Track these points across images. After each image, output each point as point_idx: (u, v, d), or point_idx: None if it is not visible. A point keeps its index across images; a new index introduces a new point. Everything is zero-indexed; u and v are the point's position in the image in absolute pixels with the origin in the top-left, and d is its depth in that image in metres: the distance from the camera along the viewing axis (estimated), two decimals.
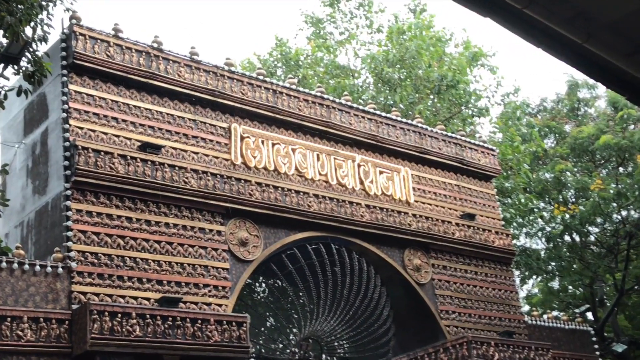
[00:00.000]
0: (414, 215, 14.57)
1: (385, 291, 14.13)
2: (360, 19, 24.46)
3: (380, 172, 14.57)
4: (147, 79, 11.95)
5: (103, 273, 10.63)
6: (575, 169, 23.13)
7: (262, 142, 13.07)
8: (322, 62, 23.98)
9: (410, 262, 14.34)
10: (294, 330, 13.52)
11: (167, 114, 12.12)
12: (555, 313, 19.34)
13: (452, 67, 22.11)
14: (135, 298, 10.74)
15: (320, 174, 13.65)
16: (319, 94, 14.15)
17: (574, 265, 23.03)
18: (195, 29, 45.82)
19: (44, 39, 8.81)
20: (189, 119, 12.35)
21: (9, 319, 9.67)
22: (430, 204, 15.15)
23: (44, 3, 8.78)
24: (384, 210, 14.12)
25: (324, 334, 13.47)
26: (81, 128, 11.10)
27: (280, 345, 13.52)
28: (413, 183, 15.03)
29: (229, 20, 46.88)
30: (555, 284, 24.84)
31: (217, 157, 12.44)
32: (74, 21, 11.41)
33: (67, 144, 10.88)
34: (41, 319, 9.88)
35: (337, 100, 14.52)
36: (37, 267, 10.16)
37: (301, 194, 13.07)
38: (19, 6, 8.33)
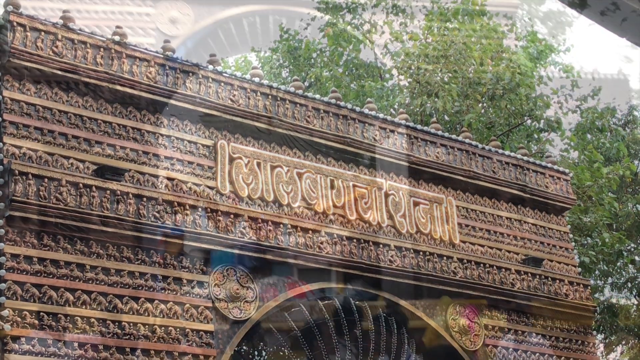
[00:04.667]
0: (461, 260, 14.48)
1: None
2: (387, 4, 24.51)
3: (416, 204, 14.53)
4: (106, 83, 11.92)
5: (46, 338, 10.52)
6: None
7: (258, 164, 13.05)
8: (340, 59, 24.04)
9: (456, 322, 14.25)
10: None
11: (133, 128, 12.09)
12: None
13: (512, 66, 22.04)
14: None
15: (335, 206, 13.61)
16: (333, 100, 14.13)
17: None
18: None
19: None
20: (162, 135, 12.33)
21: None
22: (482, 246, 15.09)
23: None
24: (421, 253, 14.04)
25: None
26: (19, 147, 11.07)
27: None
28: (459, 218, 14.98)
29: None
30: None
31: (198, 185, 12.41)
32: (10, 8, 11.40)
33: None
34: None
35: (358, 109, 14.49)
36: None
37: (310, 232, 13.00)
38: None
